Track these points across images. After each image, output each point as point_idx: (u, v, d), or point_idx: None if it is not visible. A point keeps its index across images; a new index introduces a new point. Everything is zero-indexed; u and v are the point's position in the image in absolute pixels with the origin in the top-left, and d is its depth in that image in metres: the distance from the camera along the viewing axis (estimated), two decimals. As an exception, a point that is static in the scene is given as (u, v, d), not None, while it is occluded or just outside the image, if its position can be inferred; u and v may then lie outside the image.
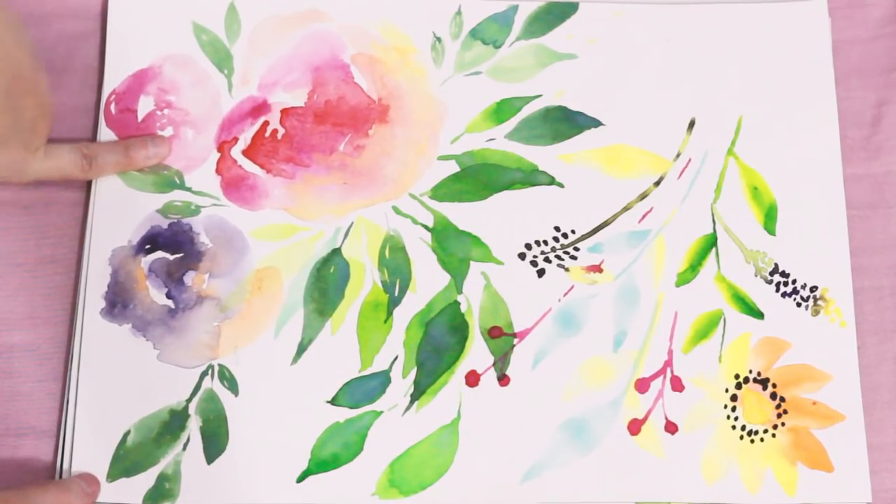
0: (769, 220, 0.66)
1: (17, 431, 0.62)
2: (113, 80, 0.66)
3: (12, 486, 0.59)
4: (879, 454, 0.63)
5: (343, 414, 0.62)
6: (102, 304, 0.62)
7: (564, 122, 0.66)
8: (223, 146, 0.65)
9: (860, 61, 0.69)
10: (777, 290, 0.65)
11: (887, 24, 0.70)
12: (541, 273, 0.64)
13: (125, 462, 0.61)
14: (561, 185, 0.65)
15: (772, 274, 0.65)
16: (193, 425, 0.61)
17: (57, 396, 0.62)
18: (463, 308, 0.63)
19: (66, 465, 0.60)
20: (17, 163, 0.59)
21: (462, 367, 0.63)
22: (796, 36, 0.68)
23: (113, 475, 0.60)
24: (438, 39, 0.67)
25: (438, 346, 0.63)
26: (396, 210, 0.65)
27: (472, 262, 0.64)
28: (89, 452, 0.61)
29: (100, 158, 0.63)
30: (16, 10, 0.58)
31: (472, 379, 0.63)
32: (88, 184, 0.64)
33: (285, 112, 0.66)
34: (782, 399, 0.63)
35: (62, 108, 0.65)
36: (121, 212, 0.64)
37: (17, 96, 0.57)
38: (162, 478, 0.60)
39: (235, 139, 0.65)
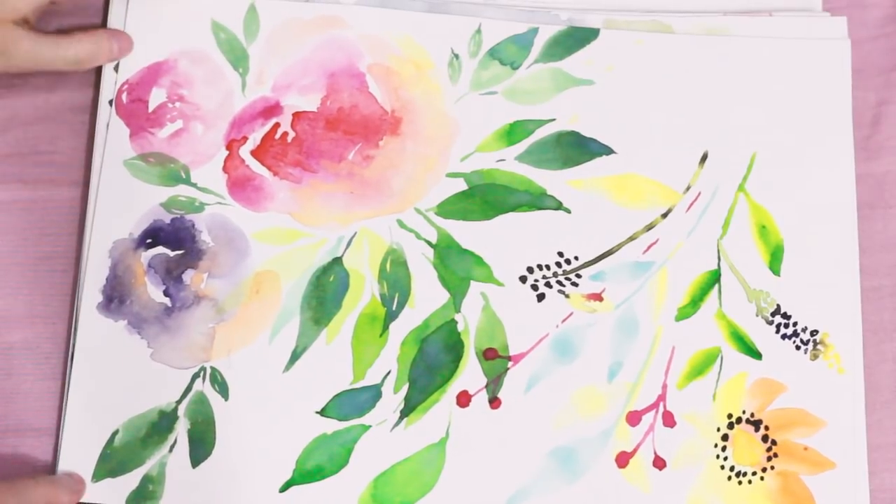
0: (775, 260, 0.65)
1: (16, 430, 0.62)
2: (127, 70, 0.65)
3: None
4: (879, 454, 0.63)
5: (331, 426, 0.62)
6: (100, 297, 0.62)
7: (576, 148, 0.66)
8: (232, 144, 0.65)
9: (860, 61, 0.68)
10: (777, 332, 0.64)
11: (887, 24, 0.69)
12: (540, 298, 0.64)
13: (111, 462, 0.61)
14: (568, 211, 0.65)
15: (773, 315, 0.64)
16: (181, 427, 0.61)
17: (57, 395, 0.62)
18: (460, 327, 0.63)
19: (54, 464, 0.61)
20: None
21: (454, 387, 0.63)
22: (816, 76, 0.67)
23: (98, 475, 0.60)
24: (456, 56, 0.66)
25: (432, 364, 0.63)
26: (401, 224, 0.64)
27: (472, 282, 0.64)
28: (78, 451, 0.61)
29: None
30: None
31: (464, 399, 0.62)
32: (88, 179, 0.64)
33: (297, 116, 0.65)
34: (773, 442, 0.63)
35: (60, 106, 0.65)
36: (124, 203, 0.63)
37: None
38: (146, 479, 0.60)
39: (245, 138, 0.65)
